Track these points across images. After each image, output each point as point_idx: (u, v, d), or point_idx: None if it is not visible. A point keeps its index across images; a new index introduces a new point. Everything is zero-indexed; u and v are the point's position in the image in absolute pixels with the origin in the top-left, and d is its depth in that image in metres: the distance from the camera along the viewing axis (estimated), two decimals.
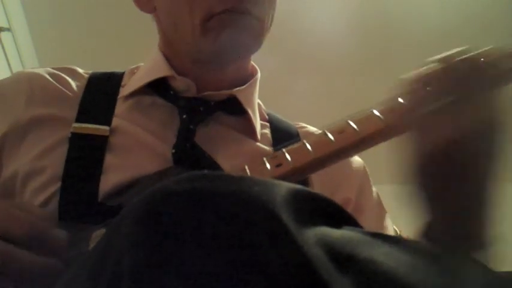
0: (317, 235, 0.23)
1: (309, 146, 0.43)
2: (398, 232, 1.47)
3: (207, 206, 0.24)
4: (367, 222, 0.60)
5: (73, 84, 0.61)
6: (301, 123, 0.70)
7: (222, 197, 0.24)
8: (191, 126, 0.56)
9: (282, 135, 0.64)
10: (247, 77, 0.66)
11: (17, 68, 1.82)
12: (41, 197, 0.52)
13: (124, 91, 0.61)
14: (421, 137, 0.43)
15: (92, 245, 0.42)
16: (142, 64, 0.66)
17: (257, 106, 0.66)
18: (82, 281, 0.26)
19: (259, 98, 0.68)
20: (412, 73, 0.44)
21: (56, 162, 0.53)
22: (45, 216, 0.43)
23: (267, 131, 0.65)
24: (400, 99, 0.43)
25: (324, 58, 2.09)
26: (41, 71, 0.62)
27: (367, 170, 0.68)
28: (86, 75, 0.63)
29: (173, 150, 0.54)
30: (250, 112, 0.62)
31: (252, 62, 0.68)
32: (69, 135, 0.55)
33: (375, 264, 0.22)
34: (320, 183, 0.59)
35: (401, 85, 0.43)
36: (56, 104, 0.58)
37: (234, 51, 0.58)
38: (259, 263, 0.21)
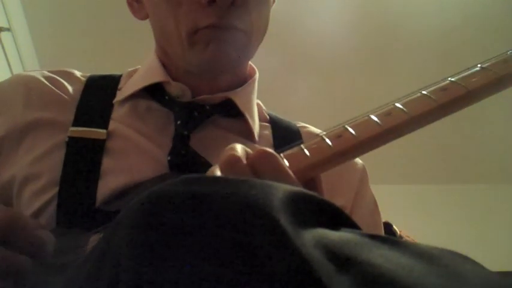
0: (315, 237, 0.23)
1: (306, 151, 0.43)
2: (399, 232, 1.46)
3: (204, 208, 0.24)
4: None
5: (69, 87, 0.61)
6: (302, 123, 0.69)
7: (220, 200, 0.24)
8: (185, 133, 0.56)
9: (284, 135, 0.64)
10: (245, 79, 0.65)
11: (17, 68, 1.82)
12: (38, 202, 0.51)
13: (120, 95, 0.61)
14: None
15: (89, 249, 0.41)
16: (140, 67, 0.66)
17: (256, 107, 0.65)
18: (80, 283, 0.26)
19: (259, 98, 0.67)
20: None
21: (53, 167, 0.53)
22: (36, 223, 0.42)
23: (268, 131, 0.64)
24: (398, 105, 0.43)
25: (324, 58, 2.09)
26: (38, 74, 0.61)
27: (367, 170, 0.67)
28: (83, 79, 0.63)
29: (169, 157, 0.54)
30: (246, 114, 0.61)
31: (250, 63, 0.67)
32: (66, 139, 0.55)
33: (374, 266, 0.22)
34: None
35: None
36: (53, 108, 0.58)
37: (222, 64, 0.57)
38: (258, 265, 0.21)
